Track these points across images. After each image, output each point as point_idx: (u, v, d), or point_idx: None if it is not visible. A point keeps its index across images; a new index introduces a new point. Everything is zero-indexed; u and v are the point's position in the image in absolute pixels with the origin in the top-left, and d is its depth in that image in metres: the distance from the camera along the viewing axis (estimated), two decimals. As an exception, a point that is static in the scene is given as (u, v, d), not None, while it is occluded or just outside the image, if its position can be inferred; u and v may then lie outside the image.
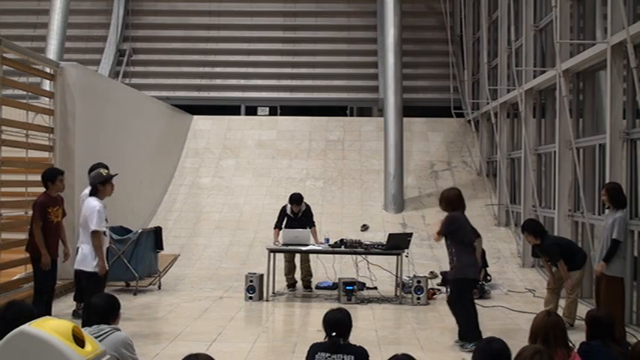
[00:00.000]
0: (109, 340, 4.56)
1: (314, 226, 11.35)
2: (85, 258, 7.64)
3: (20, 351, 3.80)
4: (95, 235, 7.56)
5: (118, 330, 4.75)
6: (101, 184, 7.74)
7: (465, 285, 7.92)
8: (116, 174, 8.13)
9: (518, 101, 13.25)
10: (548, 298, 9.02)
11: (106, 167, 8.92)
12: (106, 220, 7.78)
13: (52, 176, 8.31)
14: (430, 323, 9.22)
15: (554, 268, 8.95)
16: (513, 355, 4.00)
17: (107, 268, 7.78)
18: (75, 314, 8.91)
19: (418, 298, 10.35)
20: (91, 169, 8.92)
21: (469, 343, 7.52)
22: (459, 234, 7.92)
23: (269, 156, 17.67)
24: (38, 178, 8.59)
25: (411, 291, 10.48)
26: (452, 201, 8.14)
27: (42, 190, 8.41)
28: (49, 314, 7.48)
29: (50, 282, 8.25)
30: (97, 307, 4.88)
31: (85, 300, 7.65)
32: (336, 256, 12.01)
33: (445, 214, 8.14)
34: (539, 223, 9.74)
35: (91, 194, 7.77)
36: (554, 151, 11.42)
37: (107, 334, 4.61)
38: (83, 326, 4.59)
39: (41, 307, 7.49)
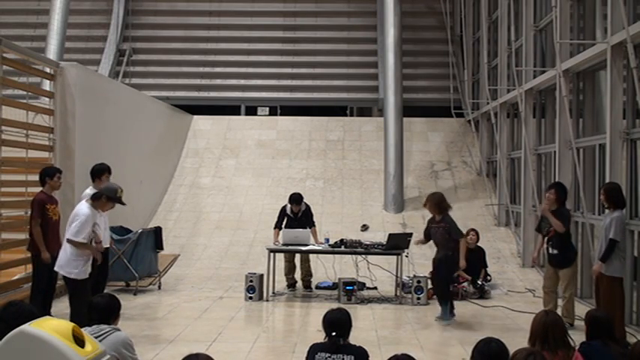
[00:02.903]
0: (109, 340, 4.56)
1: (314, 226, 11.35)
2: (65, 262, 7.54)
3: (20, 351, 3.80)
4: (72, 244, 7.44)
5: (118, 330, 4.75)
6: (108, 199, 7.62)
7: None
8: (125, 205, 7.96)
9: (518, 101, 13.25)
10: (546, 299, 9.03)
11: (109, 169, 8.92)
12: (95, 228, 7.66)
13: (51, 172, 8.35)
14: (430, 323, 9.23)
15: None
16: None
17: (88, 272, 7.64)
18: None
19: (418, 298, 10.35)
20: (94, 170, 8.93)
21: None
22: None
23: (269, 156, 17.67)
24: (38, 178, 8.60)
25: (411, 291, 10.49)
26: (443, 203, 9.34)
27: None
28: (49, 314, 7.47)
29: (48, 281, 8.24)
30: (98, 307, 4.89)
31: (73, 306, 7.54)
32: (336, 256, 12.01)
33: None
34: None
35: (92, 198, 7.68)
36: (554, 151, 11.42)
37: (107, 334, 4.62)
38: (82, 326, 4.60)
39: (38, 305, 7.48)
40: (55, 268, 7.68)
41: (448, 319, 9.16)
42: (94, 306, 4.91)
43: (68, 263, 7.46)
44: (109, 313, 4.89)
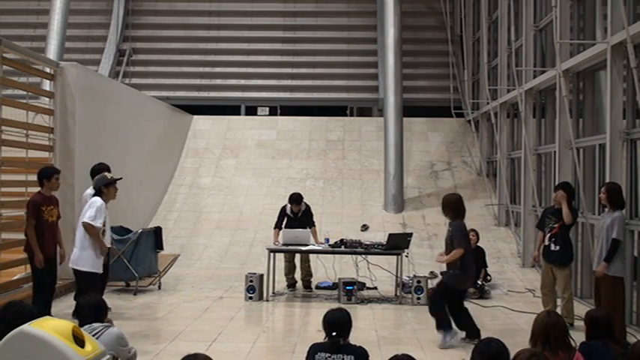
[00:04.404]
0: (103, 339, 4.58)
1: (314, 226, 11.35)
2: (80, 257, 7.62)
3: (20, 351, 3.81)
4: (87, 228, 7.53)
5: (110, 326, 4.79)
6: (105, 186, 7.72)
7: (448, 291, 8.13)
8: (120, 178, 8.10)
9: (518, 101, 13.25)
10: (545, 300, 9.03)
11: (108, 168, 8.94)
12: (104, 223, 7.74)
13: (48, 174, 8.31)
14: (430, 323, 9.17)
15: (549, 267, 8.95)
16: (511, 357, 4.00)
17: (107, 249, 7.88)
18: (75, 314, 8.90)
19: (418, 298, 10.35)
20: (93, 170, 8.93)
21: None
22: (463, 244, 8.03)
23: (269, 156, 17.67)
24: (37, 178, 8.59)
25: (411, 291, 10.49)
26: (454, 207, 8.22)
27: (41, 190, 8.43)
28: (49, 314, 7.47)
29: (48, 281, 8.23)
30: (90, 306, 4.94)
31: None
32: (336, 256, 12.01)
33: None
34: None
35: (97, 195, 7.77)
36: (554, 151, 11.42)
37: (101, 332, 4.65)
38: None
39: (41, 306, 7.49)
40: (70, 264, 7.74)
41: (449, 339, 7.99)
42: (85, 306, 4.97)
43: (81, 257, 7.54)
44: (99, 311, 4.95)
